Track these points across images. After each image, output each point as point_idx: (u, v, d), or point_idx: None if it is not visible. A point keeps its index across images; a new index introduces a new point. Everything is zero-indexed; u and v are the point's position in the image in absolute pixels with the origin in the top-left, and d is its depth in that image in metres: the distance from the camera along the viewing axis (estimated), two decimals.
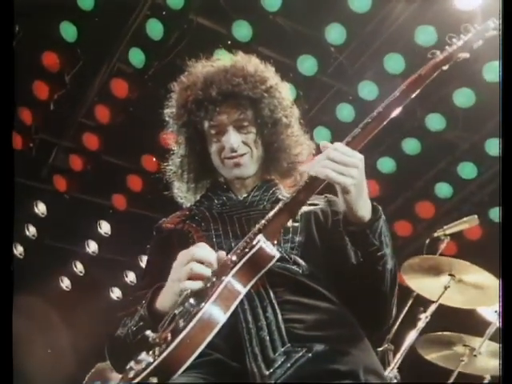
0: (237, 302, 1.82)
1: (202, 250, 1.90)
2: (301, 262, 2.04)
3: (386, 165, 6.53)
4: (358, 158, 1.84)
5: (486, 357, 4.49)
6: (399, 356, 4.24)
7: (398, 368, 4.21)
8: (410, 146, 6.30)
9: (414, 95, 1.97)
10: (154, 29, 5.37)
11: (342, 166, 1.80)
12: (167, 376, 1.70)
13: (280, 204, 1.94)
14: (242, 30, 5.27)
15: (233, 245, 2.07)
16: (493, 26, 2.02)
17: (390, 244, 1.97)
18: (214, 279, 1.86)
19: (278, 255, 1.87)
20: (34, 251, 7.45)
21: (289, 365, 1.77)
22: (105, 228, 7.56)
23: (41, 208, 7.26)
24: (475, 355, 4.44)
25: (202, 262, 1.86)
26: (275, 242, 1.93)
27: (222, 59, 2.35)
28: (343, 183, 1.80)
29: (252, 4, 5.18)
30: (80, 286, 7.91)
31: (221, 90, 2.19)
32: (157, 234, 2.38)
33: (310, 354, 1.80)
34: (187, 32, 5.38)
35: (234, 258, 1.89)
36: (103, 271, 7.82)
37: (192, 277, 1.85)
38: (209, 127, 2.25)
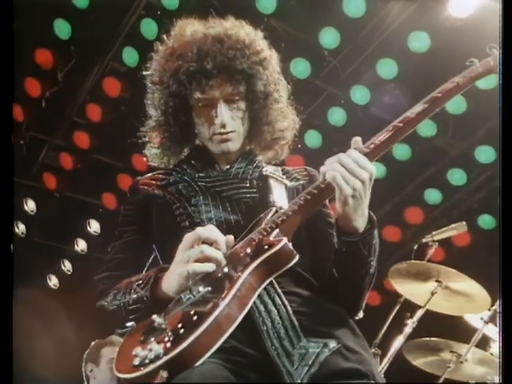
0: (253, 300, 1.80)
1: (210, 231, 1.85)
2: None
3: (377, 170, 6.47)
4: (368, 171, 1.80)
5: (472, 364, 4.50)
6: (386, 361, 4.25)
7: (384, 373, 4.22)
8: (401, 151, 6.31)
9: (446, 104, 1.92)
10: (149, 28, 5.36)
11: (348, 174, 1.77)
12: (178, 371, 1.67)
13: (300, 200, 1.89)
14: None
15: (224, 222, 2.03)
16: None
17: (378, 251, 1.94)
18: (226, 270, 1.83)
19: (297, 256, 1.84)
20: (23, 249, 7.40)
21: (310, 362, 1.75)
22: (94, 227, 7.52)
23: (30, 205, 7.22)
24: (461, 362, 4.44)
25: (209, 244, 1.82)
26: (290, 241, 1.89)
27: (212, 26, 2.28)
28: (344, 192, 1.77)
29: (247, 6, 5.17)
30: (68, 284, 7.87)
31: (216, 63, 2.10)
32: (132, 195, 2.30)
33: (327, 350, 1.78)
34: None
35: (249, 250, 1.85)
36: (91, 270, 7.78)
37: (200, 259, 1.81)
38: (198, 99, 2.15)
